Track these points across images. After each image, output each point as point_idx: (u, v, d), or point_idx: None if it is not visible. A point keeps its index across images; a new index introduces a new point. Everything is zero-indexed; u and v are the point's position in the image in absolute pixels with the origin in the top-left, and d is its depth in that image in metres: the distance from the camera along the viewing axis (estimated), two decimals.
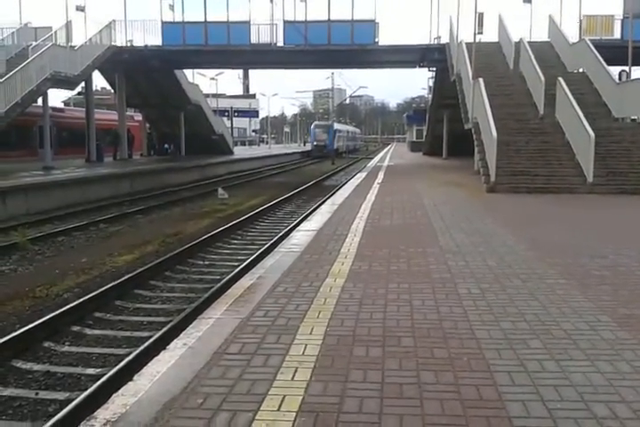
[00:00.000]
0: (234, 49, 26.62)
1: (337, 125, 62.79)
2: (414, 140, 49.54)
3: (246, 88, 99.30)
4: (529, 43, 21.14)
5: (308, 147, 64.96)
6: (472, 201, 12.87)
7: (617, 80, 18.83)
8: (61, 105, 44.45)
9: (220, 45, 26.37)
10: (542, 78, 17.68)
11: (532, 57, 19.27)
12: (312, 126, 62.80)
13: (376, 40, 26.18)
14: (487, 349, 3.90)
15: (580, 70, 20.52)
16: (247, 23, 26.51)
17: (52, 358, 6.06)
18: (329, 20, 26.54)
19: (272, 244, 11.01)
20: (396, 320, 4.51)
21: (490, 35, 24.05)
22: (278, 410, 3.04)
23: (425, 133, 39.20)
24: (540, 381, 3.40)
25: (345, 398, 3.17)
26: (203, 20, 26.88)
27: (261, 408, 3.05)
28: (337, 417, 2.96)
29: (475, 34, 20.26)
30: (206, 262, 10.53)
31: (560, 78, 16.99)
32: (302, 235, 8.53)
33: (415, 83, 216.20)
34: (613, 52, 20.71)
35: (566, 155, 15.73)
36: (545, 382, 3.38)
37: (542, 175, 15.14)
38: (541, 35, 25.08)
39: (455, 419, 2.96)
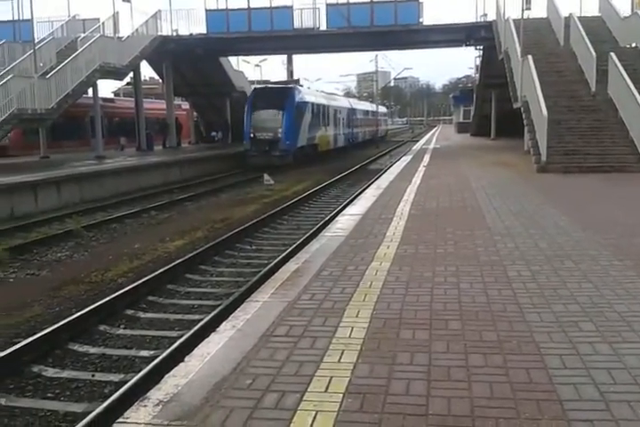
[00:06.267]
0: (277, 34, 26.52)
1: (308, 94, 30.50)
2: (461, 121, 48.48)
3: (290, 73, 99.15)
4: (579, 18, 20.42)
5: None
6: (522, 182, 12.60)
7: None
8: (111, 95, 45.31)
9: (263, 31, 26.31)
10: (594, 54, 17.07)
11: (583, 32, 18.61)
12: (249, 97, 28.27)
13: (420, 20, 25.64)
14: (537, 332, 3.84)
15: (633, 45, 19.72)
16: (290, 8, 26.35)
17: (108, 341, 6.25)
18: (372, 1, 26.18)
19: (317, 228, 11.05)
20: (443, 303, 4.48)
21: (538, 11, 23.28)
22: (325, 391, 3.06)
23: (472, 114, 38.39)
24: (592, 364, 3.33)
25: (392, 381, 3.17)
26: (246, 6, 26.90)
27: (309, 389, 3.09)
28: (384, 399, 2.97)
29: (522, 10, 19.67)
30: (253, 247, 10.65)
31: (612, 53, 16.38)
32: (347, 219, 8.52)
33: (461, 62, 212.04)
34: None
35: (620, 132, 15.22)
36: (597, 366, 3.30)
37: (595, 154, 14.70)
38: (592, 9, 24.20)
39: (504, 402, 2.92)
